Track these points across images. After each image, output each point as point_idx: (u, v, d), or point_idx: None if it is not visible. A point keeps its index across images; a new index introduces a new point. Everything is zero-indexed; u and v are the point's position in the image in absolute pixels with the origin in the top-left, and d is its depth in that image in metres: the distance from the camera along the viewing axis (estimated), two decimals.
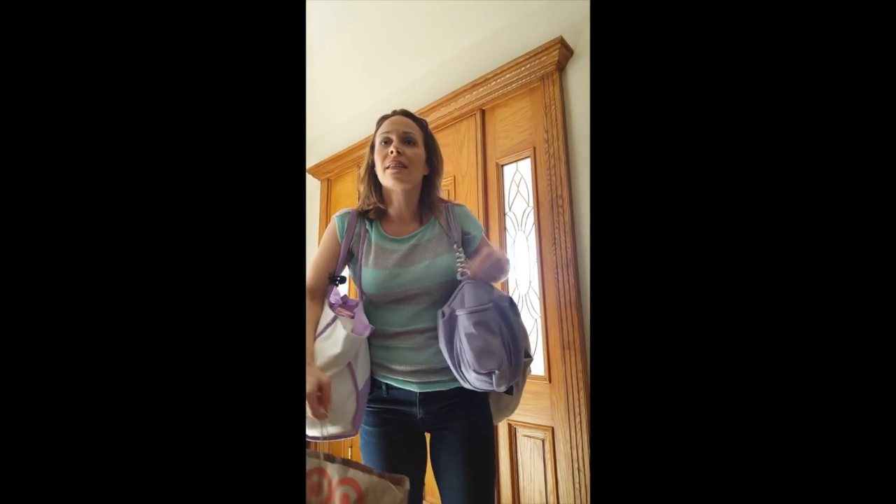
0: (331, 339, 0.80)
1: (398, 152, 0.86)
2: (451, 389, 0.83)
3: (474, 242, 0.93)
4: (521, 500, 1.35)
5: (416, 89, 1.95)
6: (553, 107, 1.43)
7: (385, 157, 0.88)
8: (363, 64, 2.09)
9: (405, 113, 0.93)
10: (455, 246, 0.88)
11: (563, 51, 1.40)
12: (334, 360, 0.78)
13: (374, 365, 0.87)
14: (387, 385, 0.86)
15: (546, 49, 1.42)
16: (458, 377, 0.80)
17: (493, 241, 1.56)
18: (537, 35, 1.50)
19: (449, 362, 0.80)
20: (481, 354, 0.76)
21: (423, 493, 0.89)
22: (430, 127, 1.88)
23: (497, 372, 0.76)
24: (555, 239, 1.36)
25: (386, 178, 0.88)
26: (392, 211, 0.93)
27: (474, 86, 1.64)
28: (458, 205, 0.97)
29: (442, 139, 1.79)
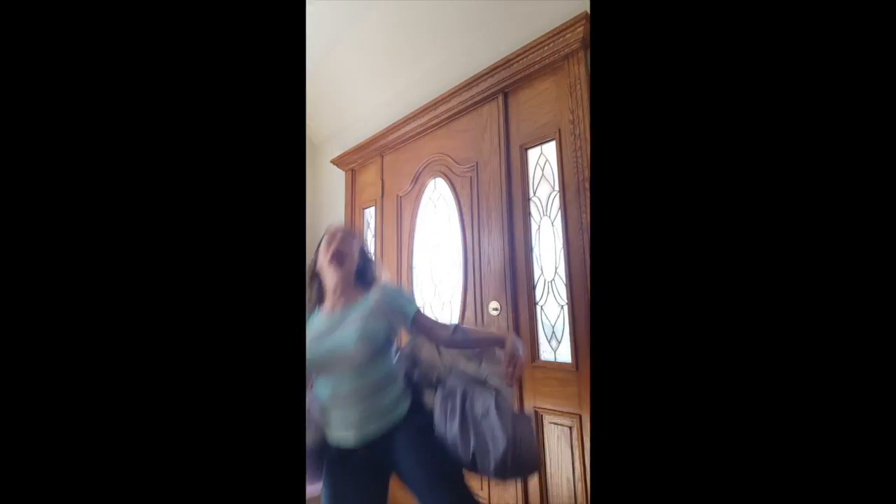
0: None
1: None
2: None
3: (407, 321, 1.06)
4: (549, 487, 1.35)
5: (435, 76, 1.91)
6: (578, 86, 1.38)
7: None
8: (382, 54, 2.07)
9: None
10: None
11: (589, 27, 1.34)
12: None
13: None
14: None
15: (570, 26, 1.36)
16: None
17: (517, 228, 1.54)
18: (561, 12, 1.44)
19: None
20: None
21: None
22: (451, 113, 1.83)
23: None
24: (581, 223, 1.33)
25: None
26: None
27: (495, 68, 1.59)
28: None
29: (463, 125, 1.76)
